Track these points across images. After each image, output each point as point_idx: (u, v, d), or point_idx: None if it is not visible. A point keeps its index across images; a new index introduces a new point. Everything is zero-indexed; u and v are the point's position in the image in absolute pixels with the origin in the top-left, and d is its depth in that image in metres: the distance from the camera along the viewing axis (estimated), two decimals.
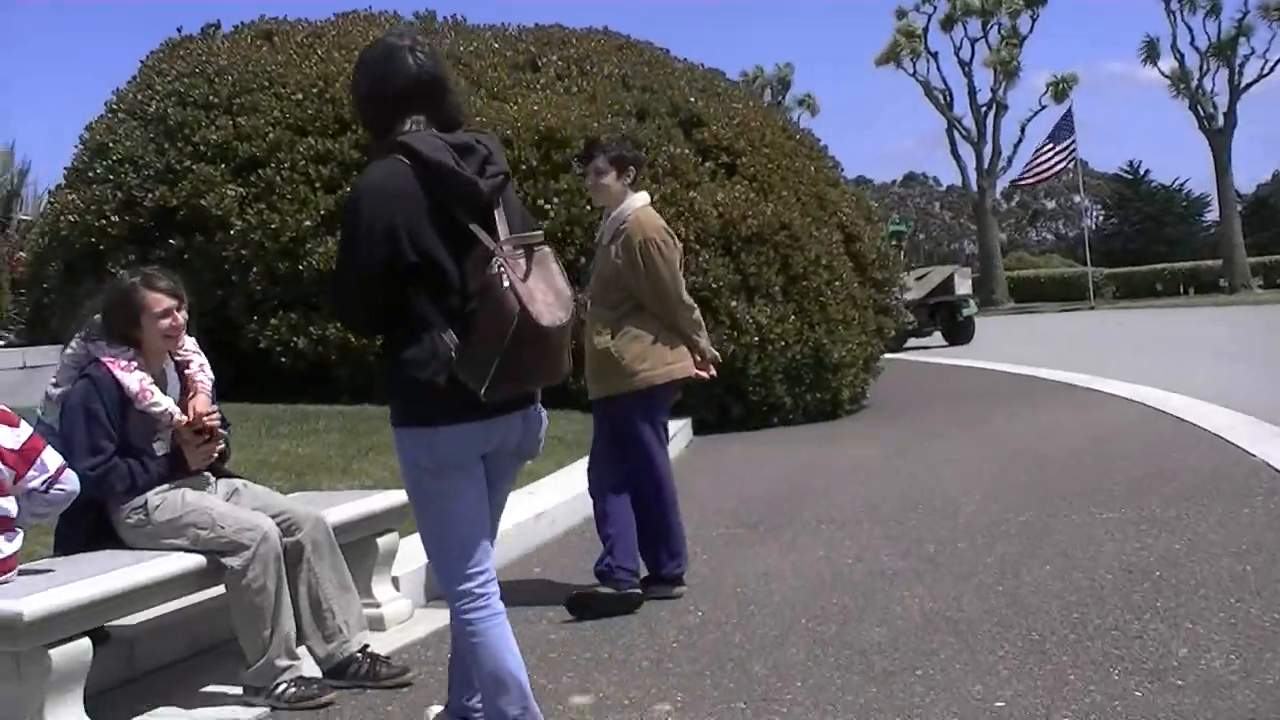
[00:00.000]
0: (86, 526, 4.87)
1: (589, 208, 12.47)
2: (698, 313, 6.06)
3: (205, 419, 5.00)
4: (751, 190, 13.39)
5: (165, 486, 4.89)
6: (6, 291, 14.85)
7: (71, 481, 4.52)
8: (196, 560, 4.75)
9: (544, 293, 3.29)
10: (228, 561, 4.72)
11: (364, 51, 3.71)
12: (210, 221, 12.93)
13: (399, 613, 5.87)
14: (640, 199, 6.04)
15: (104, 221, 13.34)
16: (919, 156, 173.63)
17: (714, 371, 6.19)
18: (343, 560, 5.10)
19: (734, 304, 12.61)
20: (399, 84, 3.52)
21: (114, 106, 14.39)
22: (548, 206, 12.60)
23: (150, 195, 13.12)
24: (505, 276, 3.24)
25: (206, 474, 5.11)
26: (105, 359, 4.88)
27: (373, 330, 3.61)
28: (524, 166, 12.78)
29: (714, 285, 12.52)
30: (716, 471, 10.14)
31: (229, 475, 5.25)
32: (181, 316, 4.97)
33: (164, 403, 4.91)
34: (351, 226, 3.43)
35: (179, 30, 15.37)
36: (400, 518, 5.98)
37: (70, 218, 13.89)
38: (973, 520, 7.38)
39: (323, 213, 12.76)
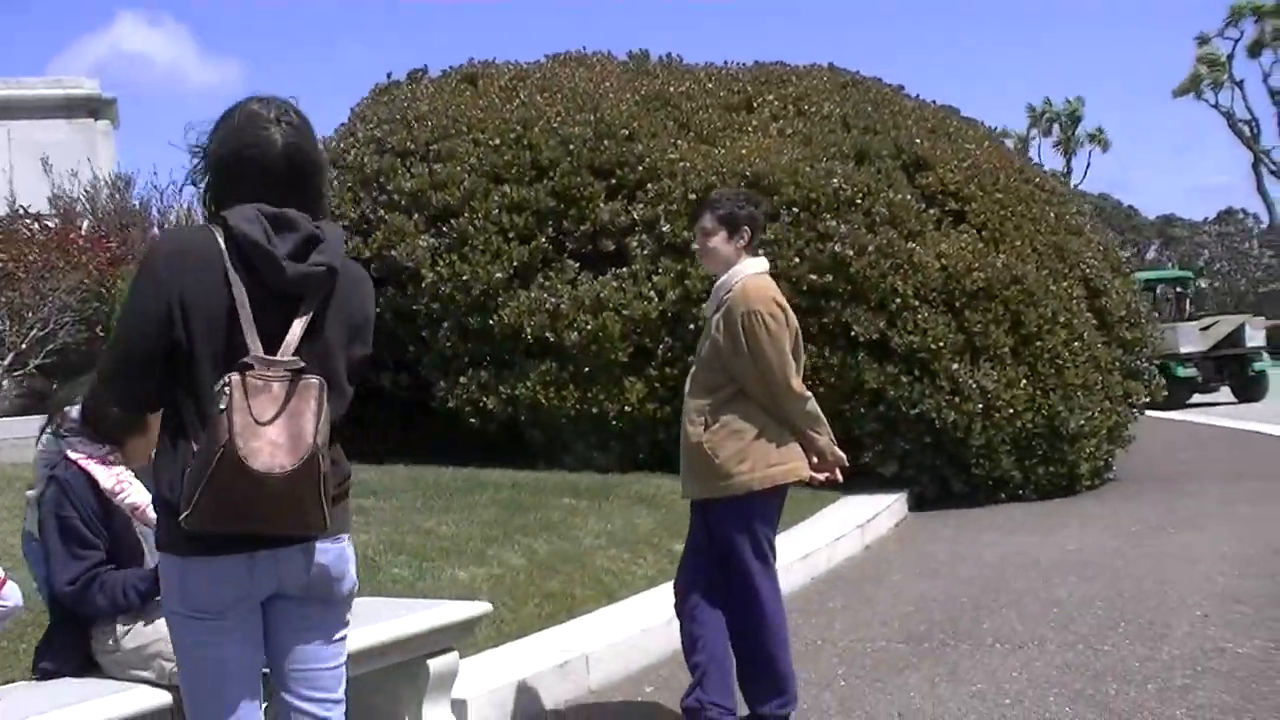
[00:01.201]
0: (65, 649, 4.16)
1: (797, 260, 11.46)
2: (813, 404, 4.94)
3: None
4: (980, 240, 12.08)
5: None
6: None
7: (14, 595, 3.82)
8: (161, 698, 3.92)
9: (276, 431, 2.76)
10: None
11: (226, 111, 3.03)
12: (402, 274, 12.41)
13: None
14: (752, 265, 5.00)
15: None
16: (1242, 191, 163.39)
17: (838, 475, 5.07)
18: None
19: (955, 366, 11.34)
20: (248, 152, 2.96)
21: None
22: None
23: (344, 246, 12.65)
24: (225, 397, 2.74)
25: None
26: (77, 456, 4.16)
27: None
28: None
29: (933, 346, 11.28)
30: (909, 562, 8.94)
31: None
32: (145, 444, 4.19)
33: (134, 495, 4.14)
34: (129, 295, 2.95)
35: (388, 76, 15.04)
36: (463, 632, 5.11)
37: None
38: (1180, 648, 6.04)
39: (515, 264, 12.10)
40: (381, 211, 12.67)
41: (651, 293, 11.79)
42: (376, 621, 4.89)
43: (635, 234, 12.16)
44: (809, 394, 4.93)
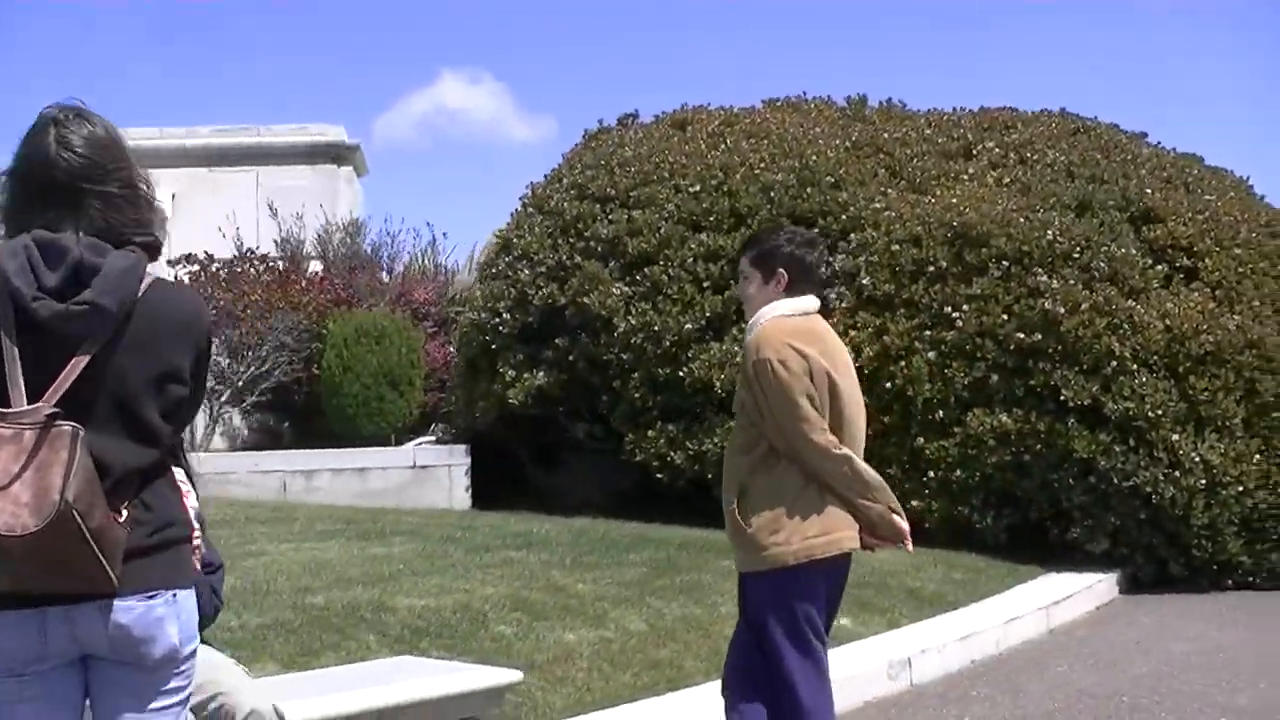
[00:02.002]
0: None
1: (1005, 317, 10.69)
2: (854, 465, 4.25)
3: None
4: (1212, 299, 11.02)
5: None
6: (418, 388, 14.72)
7: None
8: None
9: (20, 488, 2.48)
10: None
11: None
12: (596, 322, 12.12)
13: None
14: (780, 306, 4.42)
15: (498, 319, 12.87)
16: None
17: (907, 544, 4.43)
18: None
19: (1175, 437, 10.32)
20: (28, 169, 2.71)
21: (526, 201, 13.98)
22: (955, 315, 10.88)
23: (540, 293, 12.49)
24: None
25: None
26: None
27: None
28: (931, 268, 11.13)
29: (1151, 414, 10.32)
30: (1088, 651, 8.07)
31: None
32: None
33: None
34: None
35: (599, 123, 14.84)
36: (487, 701, 4.70)
37: (470, 314, 13.58)
38: None
39: (708, 315, 11.66)
40: (578, 258, 12.41)
41: (848, 348, 11.13)
42: (391, 683, 4.55)
43: (834, 286, 11.56)
44: (844, 452, 4.25)
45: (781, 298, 4.44)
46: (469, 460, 13.52)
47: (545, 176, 14.16)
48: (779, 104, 14.41)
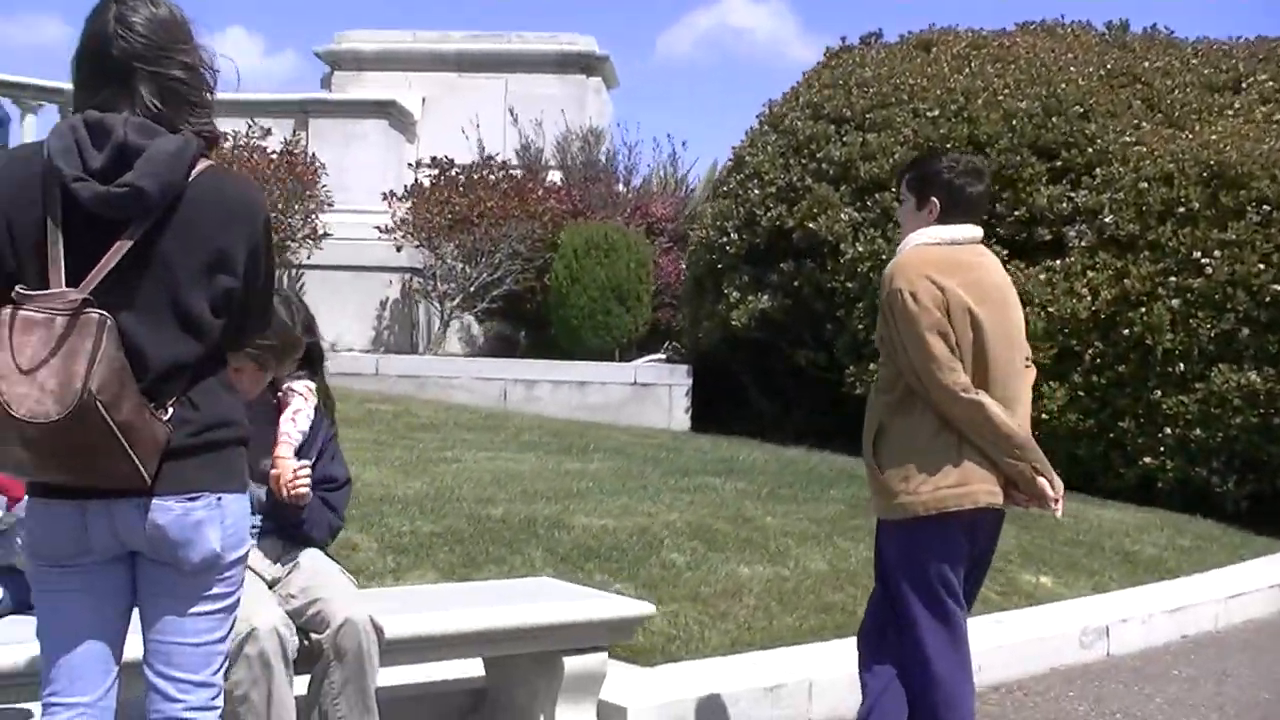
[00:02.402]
0: None
1: (1261, 266, 9.92)
2: (988, 410, 3.83)
3: (281, 481, 3.87)
4: None
5: None
6: (646, 304, 14.58)
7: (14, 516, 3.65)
8: None
9: (47, 374, 2.42)
10: None
11: None
12: (823, 246, 11.73)
13: None
14: (924, 234, 4.03)
15: (725, 239, 12.60)
16: None
17: (1054, 508, 4.01)
18: (371, 678, 3.76)
19: None
20: (89, 47, 2.64)
21: (762, 119, 13.60)
22: (1205, 261, 10.12)
23: (769, 214, 12.16)
24: None
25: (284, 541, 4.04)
26: None
27: None
28: (1182, 209, 10.37)
29: None
30: None
31: (311, 543, 4.08)
32: (255, 378, 3.82)
33: None
34: None
35: (842, 40, 14.27)
36: (613, 632, 4.52)
37: (699, 233, 13.34)
38: None
39: None
40: (809, 180, 12.01)
41: (1084, 290, 10.52)
42: (512, 603, 4.41)
43: (1075, 223, 10.90)
44: (976, 398, 3.83)
45: (927, 224, 4.06)
46: (690, 381, 13.35)
47: (783, 95, 13.74)
48: (1032, 27, 13.61)
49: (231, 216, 2.65)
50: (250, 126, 15.46)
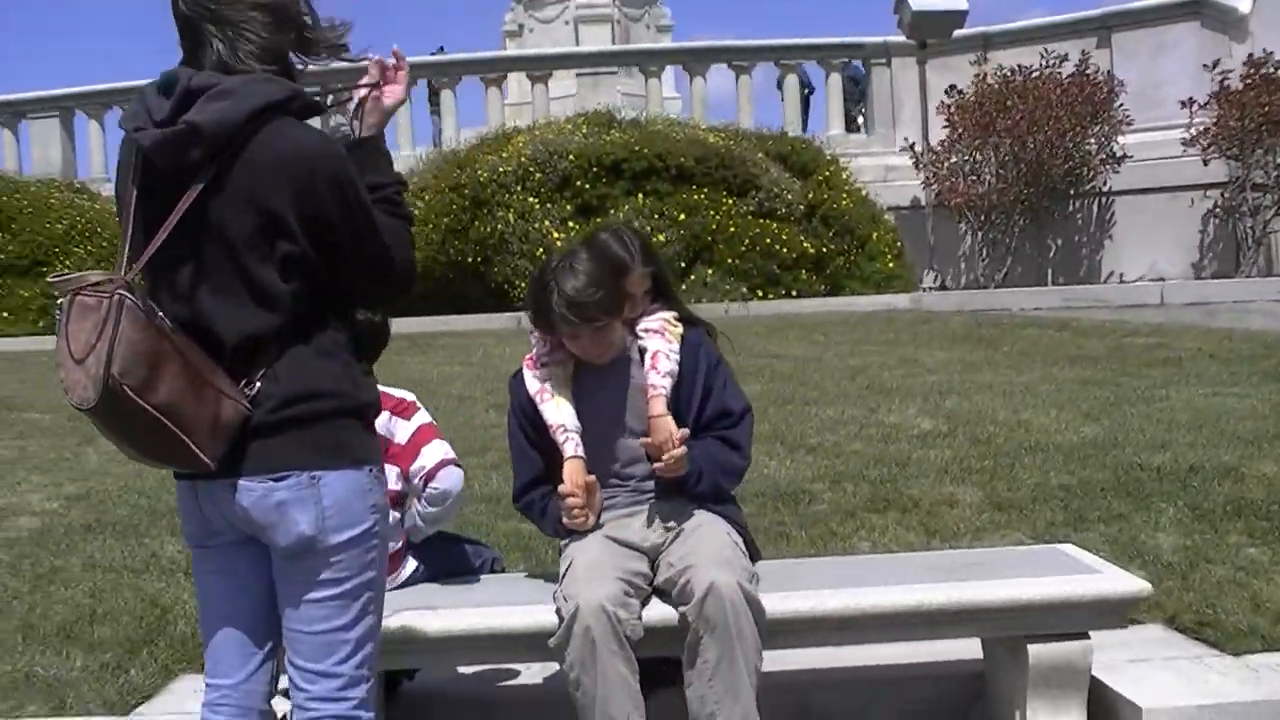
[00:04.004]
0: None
1: None
2: None
3: (656, 441, 3.55)
4: None
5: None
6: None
7: (448, 479, 3.72)
8: (530, 622, 3.59)
9: (90, 362, 2.35)
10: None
11: None
12: None
13: None
14: None
15: None
16: None
17: None
18: (741, 658, 3.29)
19: None
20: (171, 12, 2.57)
21: None
22: None
23: None
24: (59, 316, 2.40)
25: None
26: (528, 357, 3.77)
27: None
28: None
29: None
30: None
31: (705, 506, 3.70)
32: (591, 340, 3.58)
33: (550, 414, 3.62)
34: None
35: None
36: (1105, 615, 3.69)
37: None
38: None
39: None
40: None
41: None
42: (954, 577, 3.73)
43: None
44: None
45: None
46: None
47: None
48: None
49: (282, 175, 2.44)
50: (1044, 55, 14.81)
